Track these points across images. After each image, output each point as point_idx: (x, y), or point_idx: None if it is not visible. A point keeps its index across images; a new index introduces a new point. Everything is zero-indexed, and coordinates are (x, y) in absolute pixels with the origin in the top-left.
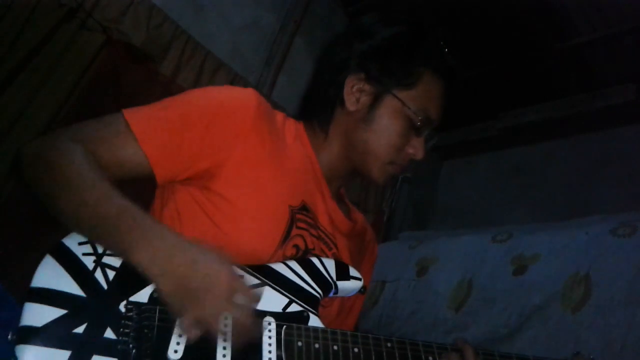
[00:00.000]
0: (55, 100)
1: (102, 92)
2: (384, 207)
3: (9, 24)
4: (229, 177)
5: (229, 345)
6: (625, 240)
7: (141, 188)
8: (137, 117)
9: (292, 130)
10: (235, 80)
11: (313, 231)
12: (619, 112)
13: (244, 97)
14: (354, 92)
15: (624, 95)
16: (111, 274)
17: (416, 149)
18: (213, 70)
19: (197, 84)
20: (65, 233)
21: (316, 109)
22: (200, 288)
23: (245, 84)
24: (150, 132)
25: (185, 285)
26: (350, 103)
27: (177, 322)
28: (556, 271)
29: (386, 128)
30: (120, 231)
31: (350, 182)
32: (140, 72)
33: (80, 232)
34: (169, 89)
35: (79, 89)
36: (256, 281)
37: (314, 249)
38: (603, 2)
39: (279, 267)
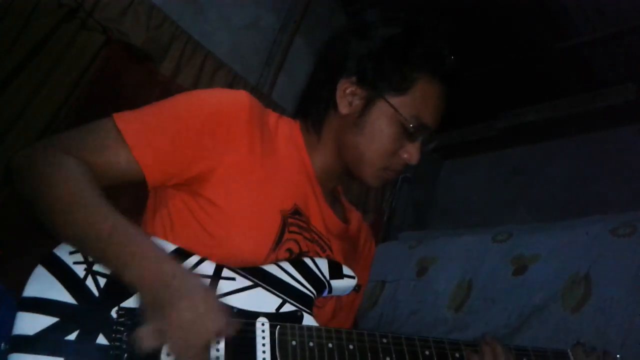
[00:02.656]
0: (55, 100)
1: (102, 92)
2: (384, 207)
3: (9, 24)
4: (219, 183)
5: (222, 346)
6: (625, 240)
7: (139, 191)
8: (128, 123)
9: (286, 130)
10: (235, 80)
11: (306, 234)
12: (619, 112)
13: (235, 101)
14: (347, 95)
15: (624, 95)
16: (102, 281)
17: (410, 154)
18: (213, 71)
19: (197, 84)
20: (57, 242)
21: (310, 108)
22: (178, 311)
23: (245, 84)
24: (141, 138)
25: (164, 305)
26: (343, 106)
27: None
28: (556, 271)
29: (378, 133)
30: (111, 250)
31: (346, 181)
32: (140, 72)
33: (71, 245)
34: (169, 89)
35: (79, 89)
36: (249, 283)
37: (308, 252)
38: (603, 2)
39: (271, 268)
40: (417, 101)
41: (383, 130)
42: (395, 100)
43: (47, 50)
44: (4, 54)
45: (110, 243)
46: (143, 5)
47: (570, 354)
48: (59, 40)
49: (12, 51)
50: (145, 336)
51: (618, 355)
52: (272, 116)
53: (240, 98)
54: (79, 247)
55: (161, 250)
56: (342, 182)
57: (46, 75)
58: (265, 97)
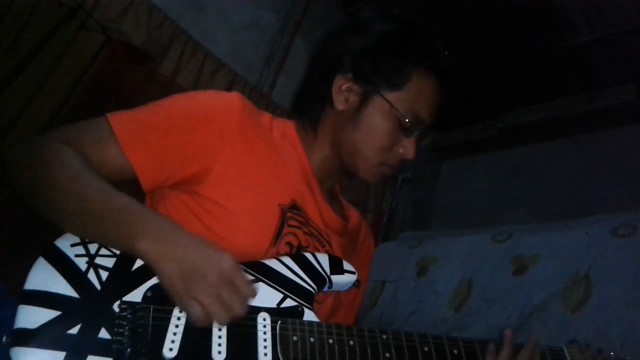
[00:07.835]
0: (55, 100)
1: (102, 92)
2: (384, 207)
3: (9, 24)
4: (217, 180)
5: (224, 342)
6: (625, 240)
7: (139, 188)
8: (121, 122)
9: (280, 130)
10: (235, 80)
11: (305, 229)
12: (619, 112)
13: (227, 101)
14: (343, 91)
15: (624, 95)
16: (104, 274)
17: (406, 149)
18: (213, 71)
19: (197, 84)
20: (58, 235)
21: (306, 106)
22: (206, 269)
23: (245, 84)
24: (134, 138)
25: (191, 267)
26: (339, 102)
27: (177, 309)
28: (556, 271)
29: (374, 129)
30: (125, 222)
31: (344, 178)
32: (140, 72)
33: (76, 230)
34: (169, 89)
35: (79, 89)
36: (250, 277)
37: (307, 246)
38: (603, 2)
39: (273, 263)
40: (412, 96)
41: (379, 125)
42: (390, 96)
43: (47, 50)
44: (4, 54)
45: (123, 214)
46: (143, 5)
47: (566, 351)
48: (59, 40)
49: (12, 51)
50: (191, 311)
51: (612, 353)
52: (266, 116)
53: (231, 98)
54: (85, 227)
55: (174, 222)
56: (340, 181)
57: (46, 75)
58: (265, 97)
